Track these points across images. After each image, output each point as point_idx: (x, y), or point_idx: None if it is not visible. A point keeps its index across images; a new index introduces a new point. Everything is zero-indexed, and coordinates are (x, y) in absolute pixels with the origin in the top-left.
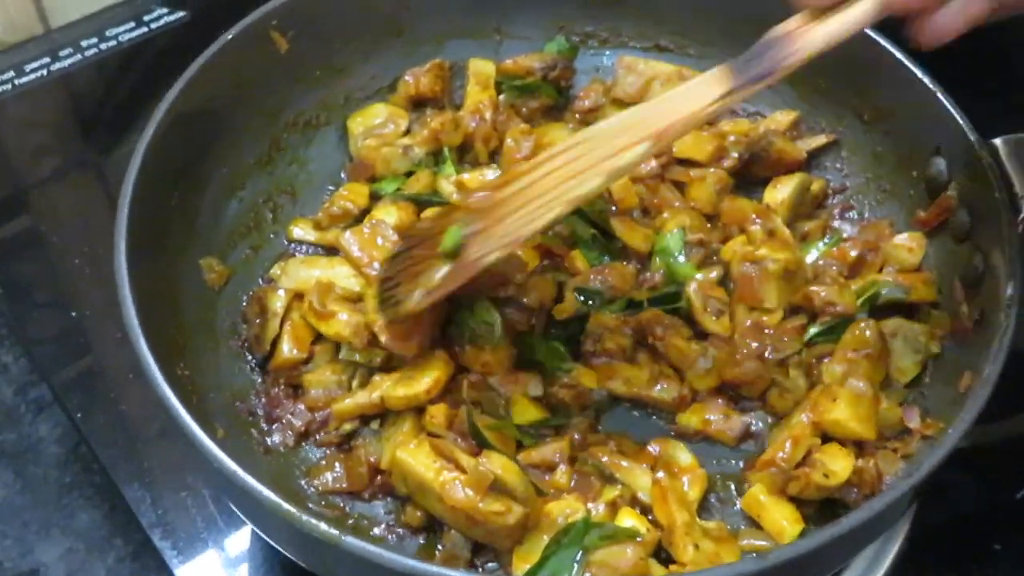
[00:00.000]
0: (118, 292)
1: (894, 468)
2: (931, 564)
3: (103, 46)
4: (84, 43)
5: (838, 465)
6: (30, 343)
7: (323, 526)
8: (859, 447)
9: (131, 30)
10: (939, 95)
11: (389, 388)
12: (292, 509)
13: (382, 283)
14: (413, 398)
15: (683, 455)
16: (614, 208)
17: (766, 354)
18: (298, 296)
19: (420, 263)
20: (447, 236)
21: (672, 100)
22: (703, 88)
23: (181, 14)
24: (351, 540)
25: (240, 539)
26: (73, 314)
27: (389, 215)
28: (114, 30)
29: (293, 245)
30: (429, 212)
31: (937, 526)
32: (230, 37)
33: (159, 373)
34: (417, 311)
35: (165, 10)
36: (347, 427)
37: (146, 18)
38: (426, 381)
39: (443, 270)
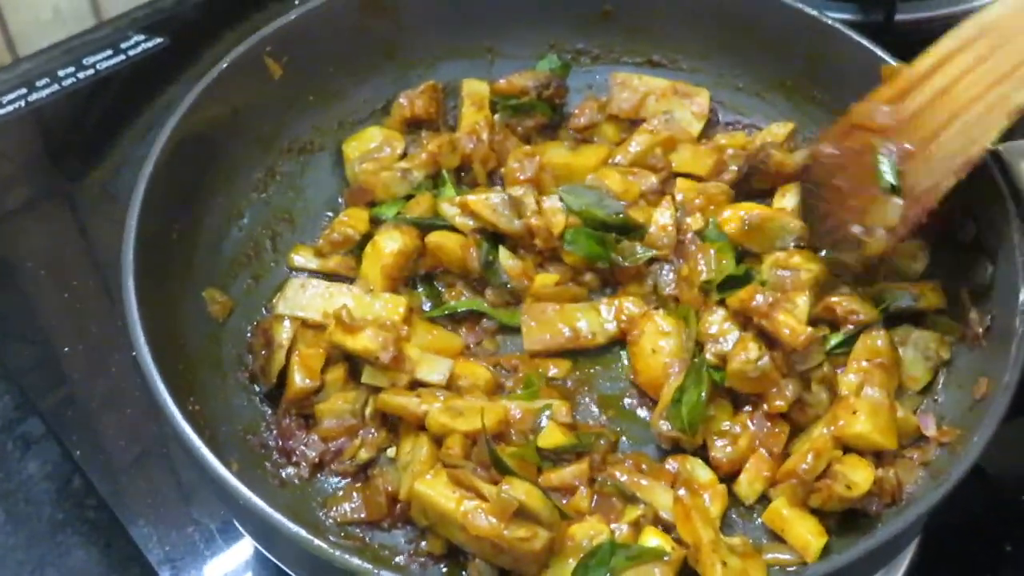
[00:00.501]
0: (130, 333)
1: (914, 476)
2: (943, 566)
3: (80, 75)
4: (61, 72)
5: (859, 476)
6: (13, 375)
7: (360, 561)
8: (878, 456)
9: (108, 58)
10: None
11: (437, 412)
12: (332, 548)
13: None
14: (455, 430)
15: (702, 471)
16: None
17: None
18: (304, 325)
19: (852, 197)
20: (881, 170)
21: None
22: None
23: (159, 40)
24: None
25: (246, 568)
26: (53, 345)
27: (392, 240)
28: (91, 59)
29: (294, 273)
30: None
31: (948, 528)
32: (225, 65)
33: (178, 412)
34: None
35: (142, 36)
36: (363, 456)
37: (123, 45)
38: (476, 422)
39: (895, 206)
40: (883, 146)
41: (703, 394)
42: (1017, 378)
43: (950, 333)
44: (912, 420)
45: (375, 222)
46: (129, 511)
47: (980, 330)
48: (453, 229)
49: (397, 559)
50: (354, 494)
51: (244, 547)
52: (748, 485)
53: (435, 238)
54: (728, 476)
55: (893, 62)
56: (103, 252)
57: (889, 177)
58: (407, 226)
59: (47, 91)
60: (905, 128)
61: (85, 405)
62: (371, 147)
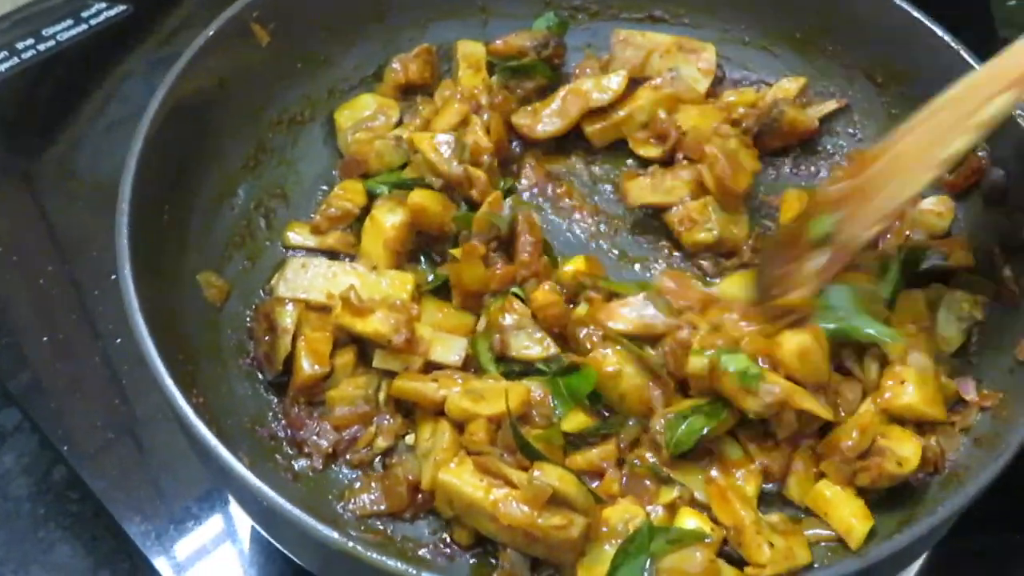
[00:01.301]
0: (132, 326)
1: (956, 443)
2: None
3: (40, 47)
4: (20, 45)
5: (908, 450)
6: None
7: (400, 565)
8: (918, 425)
9: (69, 28)
10: (963, 53)
11: (457, 398)
12: (366, 549)
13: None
14: (479, 415)
15: (732, 449)
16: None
17: None
18: (308, 307)
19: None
20: (815, 223)
21: None
22: None
23: (122, 7)
24: None
25: (241, 554)
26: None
27: (392, 213)
28: (51, 29)
29: (291, 252)
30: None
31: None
32: (211, 33)
33: (189, 408)
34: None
35: (104, 4)
36: (380, 444)
37: (84, 14)
38: (500, 405)
39: (819, 259)
40: (824, 212)
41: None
42: None
43: (983, 293)
44: (951, 385)
45: (371, 195)
46: (118, 502)
47: (1016, 289)
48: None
49: (422, 551)
50: (373, 485)
51: (235, 527)
52: (798, 486)
53: (416, 198)
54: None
55: (914, 11)
56: (63, 230)
57: (819, 230)
58: (404, 197)
59: (5, 65)
60: (848, 197)
61: (55, 392)
62: (364, 115)
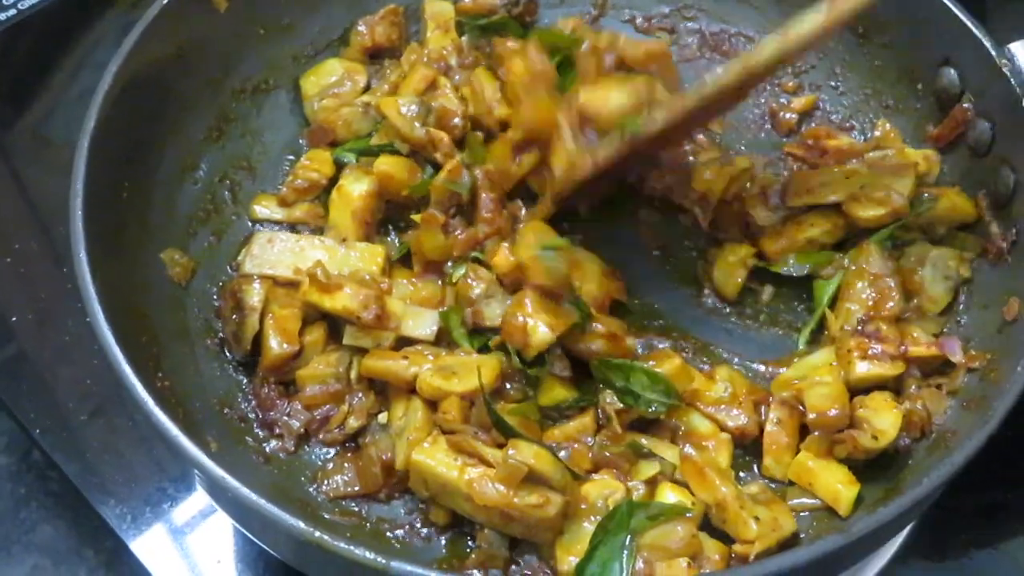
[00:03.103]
0: (87, 306)
1: (943, 406)
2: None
3: (3, 16)
4: None
5: (885, 422)
6: None
7: (368, 554)
8: (898, 391)
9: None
10: (946, 2)
11: (428, 375)
12: (333, 540)
13: None
14: (451, 392)
15: (699, 421)
16: None
17: None
18: (275, 284)
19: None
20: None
21: None
22: None
23: None
24: (399, 566)
25: (222, 537)
26: None
27: (360, 182)
28: None
29: (258, 226)
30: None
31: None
32: (166, 1)
33: (148, 395)
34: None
35: None
36: (352, 424)
37: None
38: (472, 381)
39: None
40: None
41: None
42: None
43: (970, 250)
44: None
45: (339, 164)
46: (92, 485)
47: (1004, 245)
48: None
49: (397, 532)
50: (346, 465)
51: (212, 507)
52: (776, 462)
53: (383, 166)
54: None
55: None
56: (40, 198)
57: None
58: (370, 167)
59: None
60: None
61: (34, 368)
62: (330, 81)
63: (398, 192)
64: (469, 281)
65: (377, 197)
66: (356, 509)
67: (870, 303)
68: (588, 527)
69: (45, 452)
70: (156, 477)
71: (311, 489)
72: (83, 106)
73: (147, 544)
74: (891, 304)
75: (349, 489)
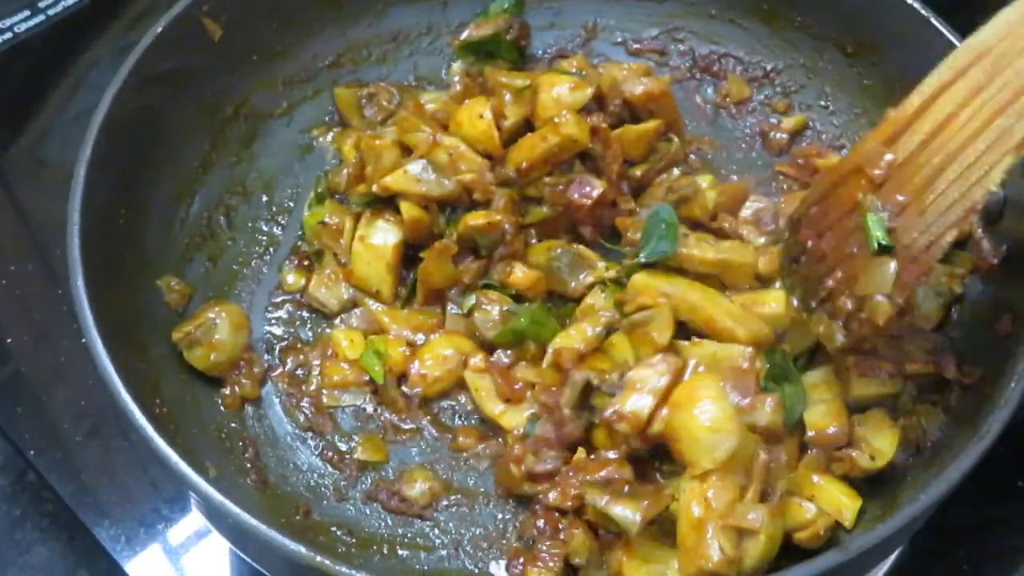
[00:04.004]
0: (86, 335)
1: (937, 423)
2: (955, 501)
3: None
4: None
5: (883, 442)
6: None
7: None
8: (894, 408)
9: (27, 19)
10: (933, 20)
11: None
12: (335, 564)
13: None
14: None
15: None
16: None
17: None
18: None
19: (841, 262)
20: (870, 229)
21: None
22: None
23: None
24: None
25: (217, 558)
26: None
27: (387, 233)
28: (8, 20)
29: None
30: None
31: None
32: (160, 29)
33: (148, 424)
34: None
35: None
36: None
37: (41, 4)
38: None
39: (888, 272)
40: (871, 202)
41: None
42: None
43: (961, 266)
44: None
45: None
46: (87, 506)
47: (995, 261)
48: None
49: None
50: None
51: (206, 527)
52: None
53: (412, 212)
54: None
55: None
56: (36, 219)
57: (879, 235)
58: (392, 212)
59: None
60: (895, 178)
61: (30, 389)
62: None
63: (427, 236)
64: (484, 307)
65: (405, 245)
66: (349, 538)
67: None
68: None
69: (40, 473)
70: (151, 498)
71: (297, 518)
72: (79, 128)
73: (142, 565)
74: (880, 316)
75: None
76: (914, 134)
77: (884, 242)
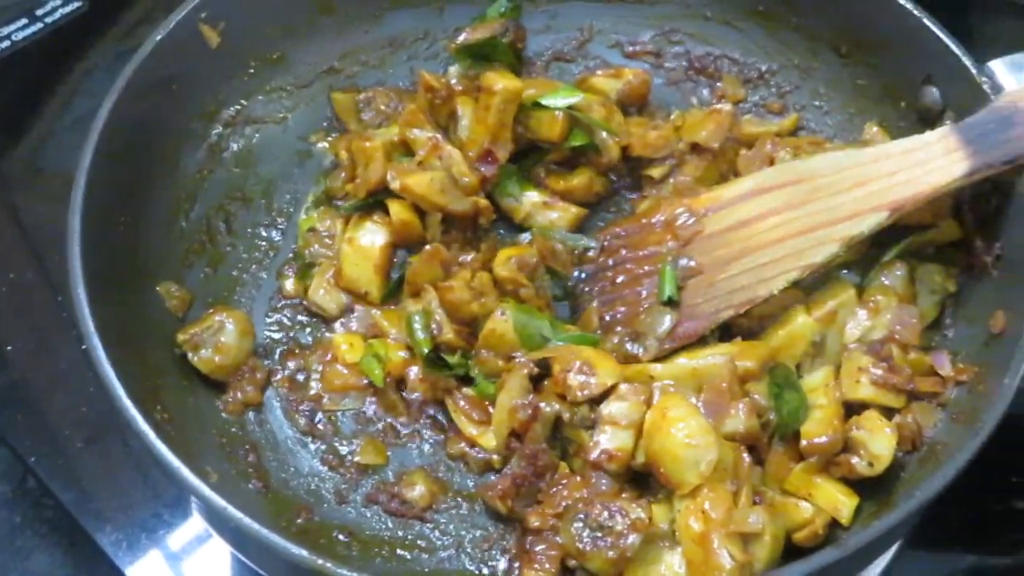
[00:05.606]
0: (87, 342)
1: (933, 419)
2: (950, 499)
3: None
4: None
5: (880, 445)
6: None
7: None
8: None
9: (25, 27)
10: (926, 21)
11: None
12: (336, 568)
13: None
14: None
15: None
16: None
17: None
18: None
19: (631, 301)
20: (666, 279)
21: (907, 169)
22: (940, 160)
23: (77, 4)
24: None
25: (218, 562)
26: None
27: (376, 235)
28: (6, 29)
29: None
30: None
31: None
32: (159, 38)
33: (151, 431)
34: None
35: (59, 1)
36: None
37: (39, 12)
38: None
39: (666, 321)
40: (673, 257)
41: None
42: None
43: (955, 264)
44: (924, 360)
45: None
46: (88, 512)
47: (989, 259)
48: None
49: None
50: None
51: (208, 532)
52: (771, 476)
53: (401, 214)
54: None
55: None
56: (35, 226)
57: (669, 290)
58: (381, 214)
59: None
60: (699, 245)
61: (30, 396)
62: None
63: (417, 238)
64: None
65: (394, 247)
66: (350, 541)
67: (894, 325)
68: None
69: (40, 480)
70: (151, 503)
71: (300, 521)
72: (77, 135)
73: (143, 571)
74: (911, 332)
75: None
76: (727, 217)
77: (673, 296)
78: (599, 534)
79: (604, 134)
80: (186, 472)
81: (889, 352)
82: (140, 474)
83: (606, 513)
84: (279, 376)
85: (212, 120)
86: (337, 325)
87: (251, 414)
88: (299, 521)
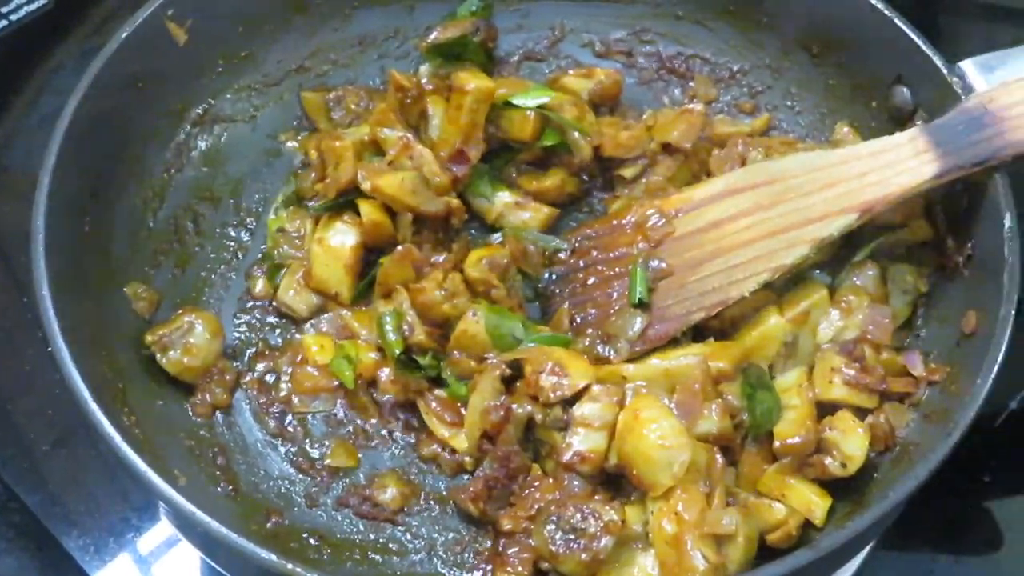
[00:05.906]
0: (51, 344)
1: (905, 419)
2: (923, 499)
3: None
4: None
5: (853, 446)
6: None
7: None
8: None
9: None
10: (897, 21)
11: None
12: (306, 571)
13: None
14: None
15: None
16: None
17: None
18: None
19: (602, 303)
20: (636, 281)
21: (877, 170)
22: (910, 162)
23: (44, 1)
24: None
25: (187, 566)
26: None
27: (346, 235)
28: None
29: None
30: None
31: None
32: (125, 35)
33: (117, 435)
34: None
35: None
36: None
37: (4, 9)
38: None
39: (636, 324)
40: (644, 258)
41: None
42: (1014, 309)
43: (927, 264)
44: (896, 360)
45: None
46: (54, 516)
47: (960, 259)
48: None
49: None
50: None
51: (176, 536)
52: (744, 478)
53: (372, 215)
54: None
55: None
56: (1, 226)
57: (640, 291)
58: (351, 214)
59: None
60: (670, 246)
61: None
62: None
63: (387, 239)
64: (438, 294)
65: (364, 247)
66: (321, 545)
67: (866, 325)
68: None
69: (6, 483)
70: (119, 507)
71: (269, 525)
72: (42, 133)
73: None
74: (883, 332)
75: None
76: (698, 218)
77: (643, 298)
78: (572, 536)
79: (576, 134)
80: (153, 476)
81: (862, 352)
82: (108, 477)
83: (579, 515)
84: (248, 378)
85: (180, 119)
86: (307, 326)
87: (220, 416)
88: (269, 525)
